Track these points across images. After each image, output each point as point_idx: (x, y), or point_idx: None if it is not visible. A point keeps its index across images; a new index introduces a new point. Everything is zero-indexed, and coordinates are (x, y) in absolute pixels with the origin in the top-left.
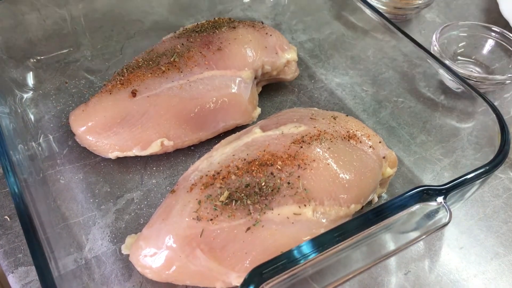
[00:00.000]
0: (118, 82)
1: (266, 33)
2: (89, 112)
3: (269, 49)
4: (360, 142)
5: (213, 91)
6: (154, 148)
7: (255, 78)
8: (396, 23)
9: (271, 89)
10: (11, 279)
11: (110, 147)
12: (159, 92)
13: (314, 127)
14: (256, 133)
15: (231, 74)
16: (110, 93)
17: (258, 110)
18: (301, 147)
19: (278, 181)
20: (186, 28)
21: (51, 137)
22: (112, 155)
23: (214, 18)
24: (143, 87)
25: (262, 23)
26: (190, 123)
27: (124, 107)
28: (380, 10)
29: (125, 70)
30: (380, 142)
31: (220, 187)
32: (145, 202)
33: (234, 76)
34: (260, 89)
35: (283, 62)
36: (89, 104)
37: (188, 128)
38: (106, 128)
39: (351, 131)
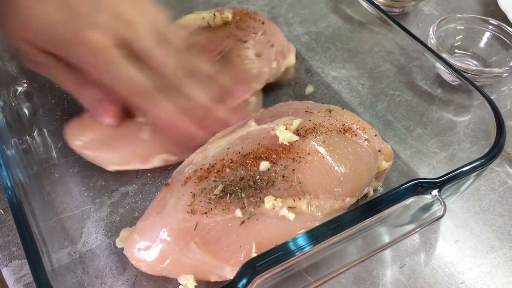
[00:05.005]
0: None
1: (268, 41)
2: (85, 127)
3: (272, 62)
4: (356, 135)
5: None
6: (156, 162)
7: None
8: (393, 16)
9: None
10: (5, 272)
11: (108, 161)
12: None
13: (309, 120)
14: (251, 126)
15: None
16: None
17: (261, 111)
18: (296, 140)
19: (273, 174)
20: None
21: (45, 130)
22: (111, 168)
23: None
24: None
25: (263, 23)
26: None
27: (122, 124)
28: (377, 3)
29: None
30: (375, 135)
31: (215, 181)
32: (140, 196)
33: None
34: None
35: (281, 71)
36: (85, 119)
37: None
38: (103, 143)
39: (347, 124)
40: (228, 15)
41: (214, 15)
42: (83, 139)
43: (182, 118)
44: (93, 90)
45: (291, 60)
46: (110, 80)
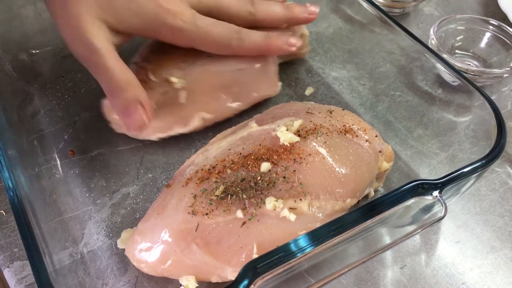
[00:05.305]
0: (146, 72)
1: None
2: None
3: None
4: (357, 136)
5: (243, 63)
6: (195, 123)
7: None
8: (394, 16)
9: None
10: (6, 273)
11: (151, 130)
12: (191, 69)
13: (310, 121)
14: (252, 127)
15: None
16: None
17: (280, 83)
18: (297, 141)
19: (274, 175)
20: None
21: (46, 131)
22: (156, 137)
23: None
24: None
25: None
26: (226, 94)
27: (159, 92)
28: (378, 4)
29: (141, 59)
30: (376, 136)
31: (216, 182)
32: (141, 197)
33: None
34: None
35: (299, 33)
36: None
37: (224, 100)
38: None
39: (348, 125)
40: None
41: None
42: None
43: (269, 39)
44: (139, 88)
45: (304, 28)
46: (200, 36)
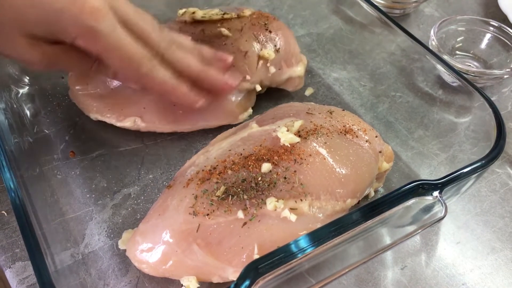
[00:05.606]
0: None
1: (275, 46)
2: (87, 78)
3: (271, 66)
4: (357, 136)
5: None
6: (127, 123)
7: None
8: (394, 17)
9: None
10: (8, 274)
11: (91, 108)
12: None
13: (311, 122)
14: (252, 128)
15: None
16: None
17: (249, 111)
18: (297, 141)
19: (275, 176)
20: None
21: (47, 132)
22: (93, 116)
23: (238, 14)
24: None
25: (279, 28)
26: (171, 113)
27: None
28: (378, 5)
29: None
30: (376, 136)
31: (217, 182)
32: (142, 197)
33: None
34: (264, 90)
35: (283, 79)
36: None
37: (164, 118)
38: (96, 94)
39: (348, 125)
40: (247, 11)
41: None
42: (81, 86)
43: (177, 84)
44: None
45: (297, 70)
46: (110, 48)
